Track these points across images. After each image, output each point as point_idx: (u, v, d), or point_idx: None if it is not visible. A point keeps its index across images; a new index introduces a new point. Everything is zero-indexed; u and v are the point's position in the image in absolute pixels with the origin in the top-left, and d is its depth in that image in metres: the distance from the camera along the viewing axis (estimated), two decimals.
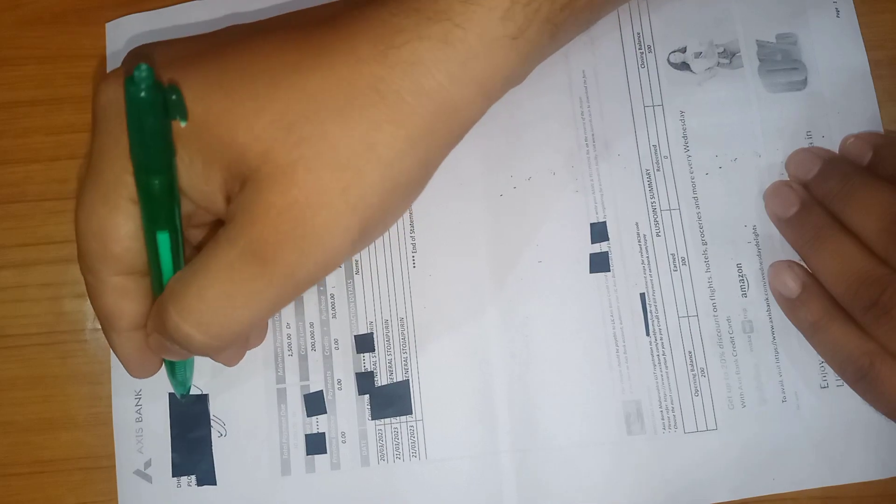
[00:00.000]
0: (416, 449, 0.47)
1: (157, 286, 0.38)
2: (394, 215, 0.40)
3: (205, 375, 0.47)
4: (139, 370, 0.42)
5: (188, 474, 0.47)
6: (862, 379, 0.42)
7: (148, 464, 0.47)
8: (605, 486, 0.46)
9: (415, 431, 0.47)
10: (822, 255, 0.44)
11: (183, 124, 0.34)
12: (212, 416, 0.47)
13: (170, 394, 0.47)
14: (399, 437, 0.47)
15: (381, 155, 0.36)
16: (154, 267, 0.38)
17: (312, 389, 0.47)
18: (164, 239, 0.36)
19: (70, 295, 0.49)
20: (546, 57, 0.41)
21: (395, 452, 0.47)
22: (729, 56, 0.51)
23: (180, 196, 0.37)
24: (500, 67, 0.38)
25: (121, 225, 0.36)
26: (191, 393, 0.47)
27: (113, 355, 0.47)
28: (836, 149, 0.49)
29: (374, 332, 0.48)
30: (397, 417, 0.47)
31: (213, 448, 0.47)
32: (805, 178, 0.47)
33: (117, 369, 0.48)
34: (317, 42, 0.36)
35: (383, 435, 0.47)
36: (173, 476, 0.47)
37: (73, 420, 0.48)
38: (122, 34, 0.51)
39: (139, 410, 0.47)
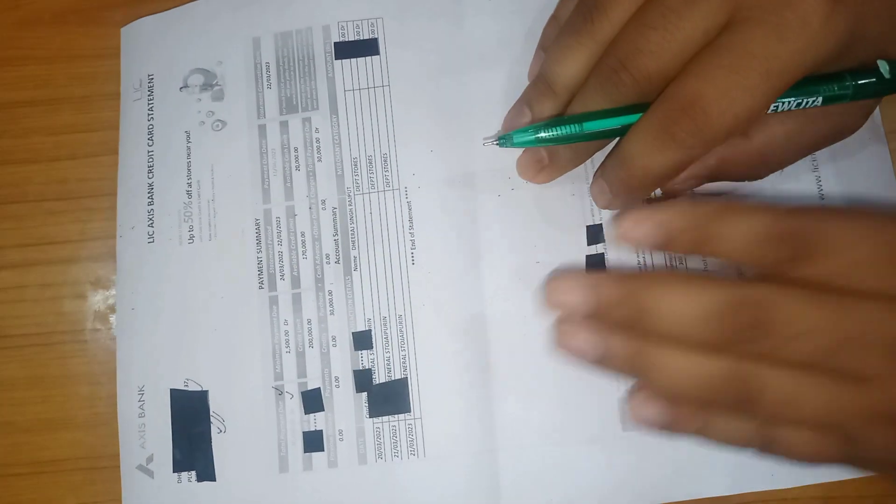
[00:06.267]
0: (414, 447, 0.47)
1: None
2: None
3: (205, 371, 0.48)
4: None
5: (188, 470, 0.47)
6: (768, 452, 0.39)
7: (150, 459, 0.47)
8: (602, 482, 0.46)
9: (413, 429, 0.47)
10: (659, 379, 0.38)
11: None
12: (211, 413, 0.47)
13: (171, 389, 0.47)
14: (397, 434, 0.47)
15: None
16: None
17: (310, 387, 0.48)
18: None
19: (70, 295, 0.50)
20: None
21: (393, 450, 0.47)
22: None
23: None
24: None
25: None
26: (200, 388, 0.47)
27: (119, 354, 0.48)
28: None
29: (373, 329, 0.48)
30: (395, 415, 0.47)
31: (212, 444, 0.47)
32: (583, 315, 0.39)
33: (122, 365, 0.48)
34: None
35: (381, 433, 0.47)
36: (174, 471, 0.47)
37: (72, 420, 0.48)
38: (135, 38, 0.52)
39: (142, 406, 0.47)
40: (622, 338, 0.39)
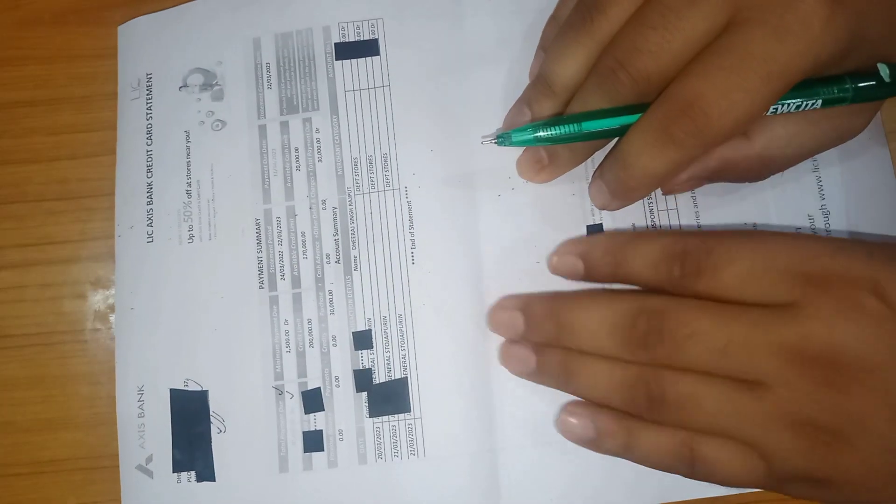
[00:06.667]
0: (414, 446, 0.47)
1: None
2: None
3: (205, 371, 0.48)
4: None
5: (188, 470, 0.47)
6: (693, 469, 0.41)
7: (149, 459, 0.47)
8: (601, 482, 0.46)
9: (413, 429, 0.47)
10: (580, 386, 0.43)
11: None
12: (211, 413, 0.47)
13: (171, 389, 0.47)
14: (397, 434, 0.47)
15: None
16: None
17: (310, 386, 0.48)
18: None
19: (70, 295, 0.50)
20: None
21: (393, 450, 0.47)
22: None
23: None
24: None
25: None
26: (200, 388, 0.47)
27: (118, 354, 0.48)
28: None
29: (373, 329, 0.48)
30: (395, 415, 0.47)
31: (212, 444, 0.47)
32: (517, 334, 0.46)
33: (121, 365, 0.48)
34: None
35: (381, 433, 0.47)
36: (174, 471, 0.47)
37: (73, 420, 0.49)
38: (133, 37, 0.52)
39: (141, 406, 0.47)
40: (550, 352, 0.45)
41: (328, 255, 0.49)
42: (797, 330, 0.38)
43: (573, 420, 0.45)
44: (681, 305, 0.40)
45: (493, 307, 0.47)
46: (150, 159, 0.50)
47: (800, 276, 0.38)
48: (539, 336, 0.45)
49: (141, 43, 0.52)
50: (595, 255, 0.45)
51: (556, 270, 0.47)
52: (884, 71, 0.42)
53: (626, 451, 0.43)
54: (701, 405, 0.39)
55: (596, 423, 0.44)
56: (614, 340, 0.41)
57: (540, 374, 0.45)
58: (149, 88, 0.51)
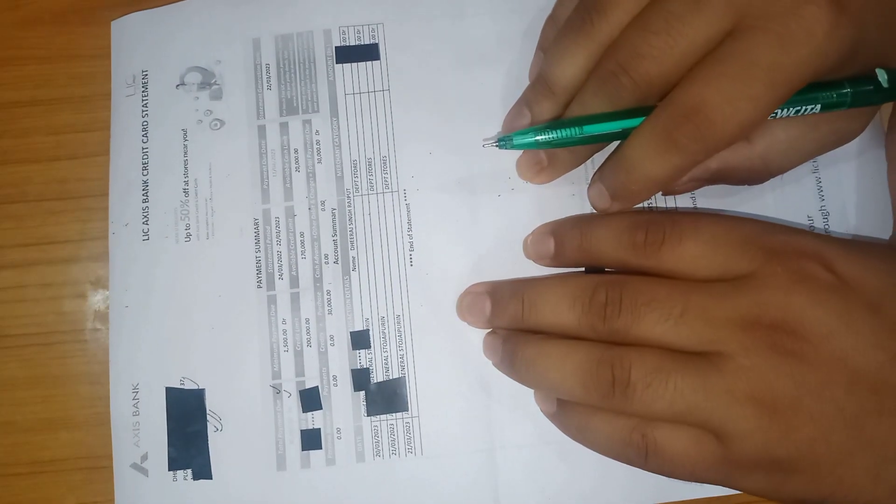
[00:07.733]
0: (411, 445, 0.47)
1: None
2: None
3: (201, 370, 0.48)
4: None
5: (184, 468, 0.47)
6: (647, 457, 0.41)
7: (144, 457, 0.47)
8: (600, 481, 0.46)
9: (411, 428, 0.47)
10: (539, 373, 0.43)
11: None
12: (208, 411, 0.47)
13: (167, 388, 0.47)
14: (395, 433, 0.47)
15: None
16: None
17: (308, 385, 0.48)
18: None
19: (70, 295, 0.50)
20: None
21: (391, 448, 0.47)
22: None
23: None
24: None
25: None
26: (197, 386, 0.47)
27: (111, 352, 0.48)
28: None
29: (371, 328, 0.48)
30: (393, 414, 0.47)
31: (209, 442, 0.47)
32: (484, 318, 0.47)
33: (115, 363, 0.48)
34: None
35: (379, 431, 0.47)
36: (169, 470, 0.47)
37: (72, 420, 0.49)
38: (127, 32, 0.52)
39: (136, 405, 0.47)
40: (515, 336, 0.45)
41: (326, 256, 0.49)
42: (754, 298, 0.39)
43: (537, 400, 0.47)
44: (640, 278, 0.42)
45: (461, 295, 0.49)
46: (145, 157, 0.50)
47: (757, 247, 0.40)
48: (505, 316, 0.46)
49: (135, 39, 0.52)
50: (565, 230, 0.47)
51: (528, 251, 0.49)
52: (882, 76, 0.42)
53: (582, 434, 0.44)
54: (663, 383, 0.39)
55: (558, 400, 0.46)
56: (575, 313, 0.42)
57: (503, 363, 0.46)
58: (144, 86, 0.51)
